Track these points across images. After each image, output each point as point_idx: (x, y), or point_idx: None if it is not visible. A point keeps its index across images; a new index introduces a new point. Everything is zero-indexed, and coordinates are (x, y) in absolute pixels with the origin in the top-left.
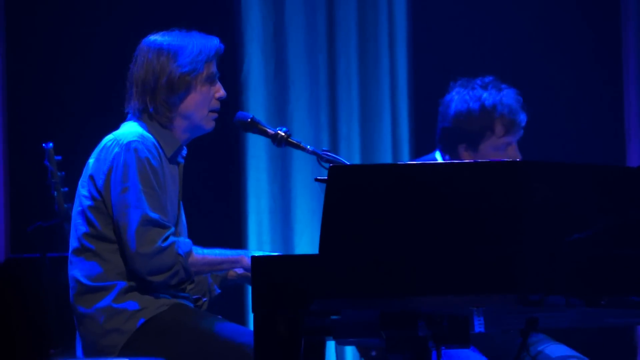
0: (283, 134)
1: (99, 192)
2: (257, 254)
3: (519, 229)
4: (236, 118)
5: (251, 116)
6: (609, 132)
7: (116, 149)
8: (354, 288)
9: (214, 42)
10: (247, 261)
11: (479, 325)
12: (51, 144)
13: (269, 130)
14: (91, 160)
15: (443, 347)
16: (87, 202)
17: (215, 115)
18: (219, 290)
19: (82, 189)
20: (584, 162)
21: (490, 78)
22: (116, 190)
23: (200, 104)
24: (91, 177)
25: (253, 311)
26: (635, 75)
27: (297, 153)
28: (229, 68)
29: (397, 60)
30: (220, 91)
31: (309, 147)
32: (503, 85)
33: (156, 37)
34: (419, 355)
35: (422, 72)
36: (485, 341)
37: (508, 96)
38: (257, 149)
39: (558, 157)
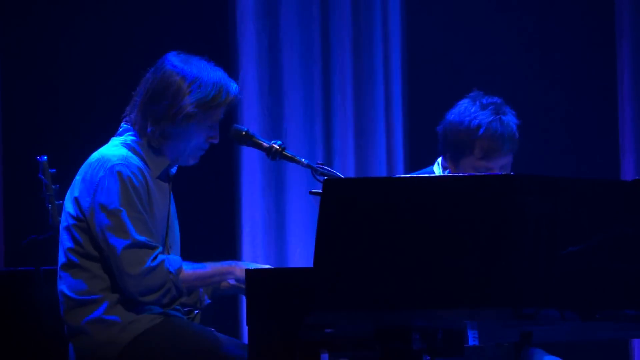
0: (278, 147)
1: (83, 213)
2: (250, 266)
3: (514, 242)
4: (231, 131)
5: (246, 129)
6: (603, 146)
7: (101, 172)
8: (349, 301)
9: (232, 87)
10: (238, 271)
11: (473, 339)
12: (45, 157)
13: (263, 143)
14: (77, 178)
15: None
16: (73, 221)
17: (202, 152)
18: (209, 301)
19: (69, 206)
20: (579, 175)
21: (497, 99)
22: (101, 214)
23: (193, 144)
24: (76, 198)
25: (247, 324)
26: (629, 89)
27: (291, 166)
28: None
29: (391, 74)
30: (215, 138)
31: (303, 160)
32: (505, 110)
33: (179, 61)
34: None
35: (416, 86)
36: (479, 355)
37: (499, 122)
38: (251, 162)
39: (553, 171)
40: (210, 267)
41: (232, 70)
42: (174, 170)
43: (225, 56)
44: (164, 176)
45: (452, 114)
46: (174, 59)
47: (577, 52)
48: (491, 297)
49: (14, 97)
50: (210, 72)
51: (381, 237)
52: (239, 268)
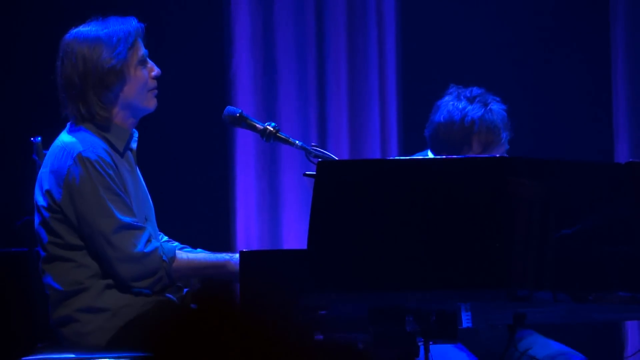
0: (272, 128)
1: (58, 206)
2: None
3: (507, 224)
4: (225, 113)
5: (240, 111)
6: (597, 129)
7: (68, 161)
8: (342, 283)
9: (131, 25)
10: (233, 266)
11: (466, 321)
12: (39, 138)
13: (257, 125)
14: (44, 170)
15: (431, 343)
16: (47, 214)
17: (154, 92)
18: (200, 284)
19: (40, 200)
20: (573, 158)
21: (480, 90)
22: (80, 204)
23: (139, 89)
24: (48, 191)
25: (241, 306)
26: (623, 72)
27: (285, 148)
28: (218, 65)
29: (385, 56)
30: (154, 70)
31: (297, 142)
32: (490, 99)
33: (73, 34)
34: (406, 351)
35: (410, 69)
36: (473, 337)
37: (491, 113)
38: (245, 144)
39: (547, 155)
40: (205, 259)
41: (226, 52)
42: (134, 145)
43: (219, 39)
44: (127, 149)
45: (440, 115)
46: (68, 38)
47: (570, 36)
48: (485, 279)
49: (7, 77)
50: (102, 27)
51: (375, 218)
52: (233, 262)
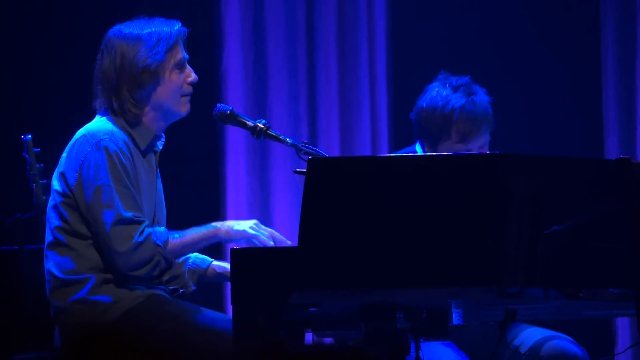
0: (262, 126)
1: (70, 189)
2: (234, 227)
3: (497, 221)
4: (215, 110)
5: (230, 108)
6: (587, 125)
7: (87, 147)
8: (333, 280)
9: (174, 28)
10: (224, 232)
11: (457, 318)
12: (30, 136)
13: (248, 122)
14: (64, 155)
15: (422, 339)
16: (60, 198)
17: (188, 98)
18: (194, 287)
19: (55, 184)
20: (563, 154)
21: (466, 79)
22: (89, 190)
23: (172, 92)
24: (62, 174)
25: (232, 304)
26: (613, 68)
27: (276, 146)
28: (208, 61)
29: (376, 53)
30: (191, 75)
31: (288, 139)
32: (476, 89)
33: (116, 30)
34: (398, 348)
35: (401, 65)
36: (463, 334)
37: (472, 103)
38: (236, 142)
39: (537, 151)
40: (196, 233)
41: (216, 49)
42: (160, 145)
43: (209, 35)
44: (150, 150)
45: (424, 100)
46: (110, 33)
47: (561, 30)
48: (475, 276)
49: None
50: (145, 26)
51: (365, 216)
52: (223, 230)
